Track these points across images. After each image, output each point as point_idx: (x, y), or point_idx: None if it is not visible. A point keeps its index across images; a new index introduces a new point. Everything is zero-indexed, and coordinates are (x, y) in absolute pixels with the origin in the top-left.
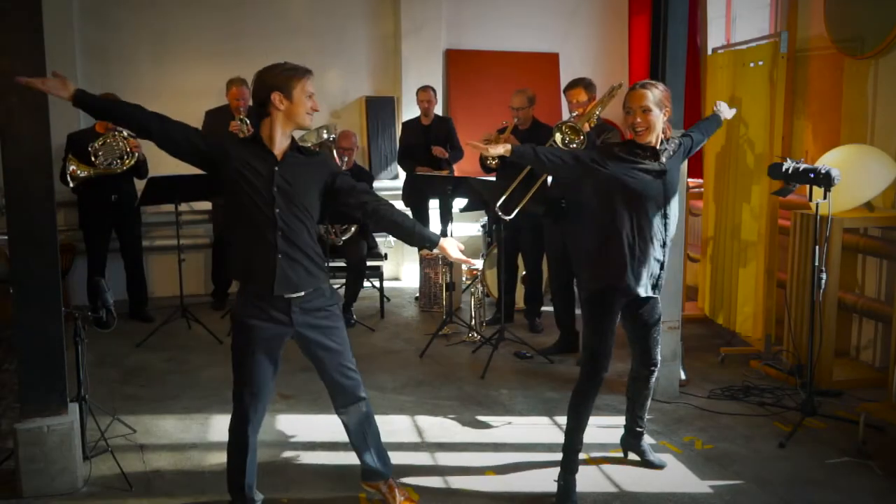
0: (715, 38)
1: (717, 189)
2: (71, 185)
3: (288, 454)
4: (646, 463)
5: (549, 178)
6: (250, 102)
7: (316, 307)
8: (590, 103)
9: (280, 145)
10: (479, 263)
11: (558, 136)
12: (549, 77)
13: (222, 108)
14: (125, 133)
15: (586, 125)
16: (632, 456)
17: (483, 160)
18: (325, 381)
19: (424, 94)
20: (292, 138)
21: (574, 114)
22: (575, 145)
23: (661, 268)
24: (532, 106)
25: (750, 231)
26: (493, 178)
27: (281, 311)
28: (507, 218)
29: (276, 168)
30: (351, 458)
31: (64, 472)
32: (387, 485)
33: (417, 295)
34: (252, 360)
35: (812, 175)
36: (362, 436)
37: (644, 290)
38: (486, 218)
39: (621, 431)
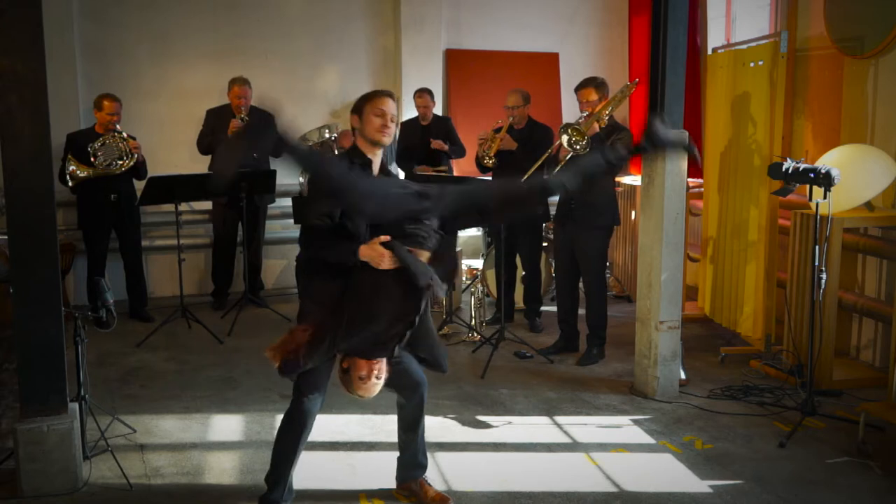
0: (715, 38)
1: (718, 189)
2: (70, 184)
3: None
4: None
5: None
6: (251, 101)
7: None
8: (600, 103)
9: (375, 167)
10: (478, 263)
11: (564, 138)
12: (549, 77)
13: (223, 107)
14: (124, 134)
15: (595, 125)
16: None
17: (479, 160)
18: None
19: (421, 98)
20: (382, 161)
21: (583, 114)
22: (579, 147)
23: None
24: (527, 105)
25: (750, 231)
26: (490, 179)
27: None
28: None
29: None
30: (351, 458)
31: (64, 472)
32: (418, 482)
33: None
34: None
35: (812, 175)
36: (416, 424)
37: None
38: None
39: (621, 431)
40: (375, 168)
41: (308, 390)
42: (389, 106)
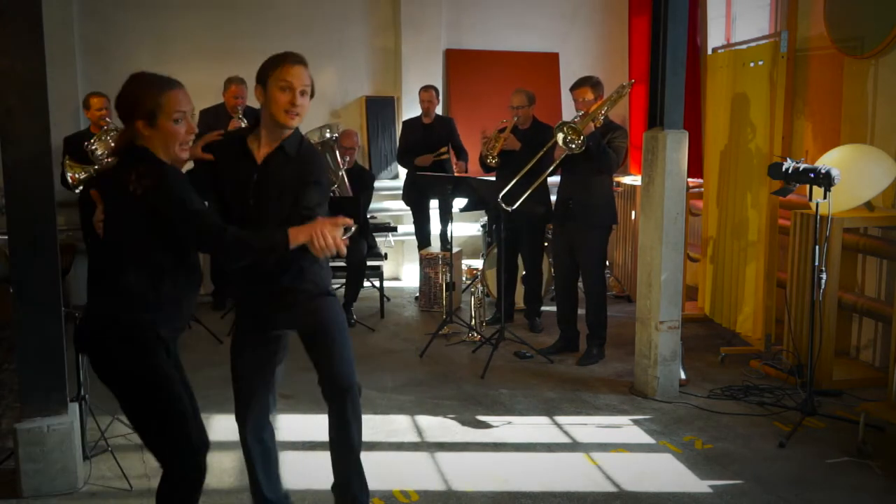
0: (715, 38)
1: (718, 189)
2: (77, 191)
3: (288, 454)
4: None
5: (557, 178)
6: (248, 102)
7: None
8: (596, 102)
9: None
10: (478, 263)
11: (560, 137)
12: (549, 77)
13: (218, 106)
14: (117, 128)
15: (591, 124)
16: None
17: (483, 159)
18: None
19: (426, 93)
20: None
21: (579, 113)
22: (574, 146)
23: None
24: (532, 105)
25: (750, 231)
26: (493, 178)
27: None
28: (510, 209)
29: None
30: None
31: (64, 472)
32: None
33: (417, 295)
34: (237, 352)
35: (812, 175)
36: (343, 442)
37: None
38: (486, 218)
39: (621, 431)
40: (260, 154)
41: (236, 390)
42: (299, 77)
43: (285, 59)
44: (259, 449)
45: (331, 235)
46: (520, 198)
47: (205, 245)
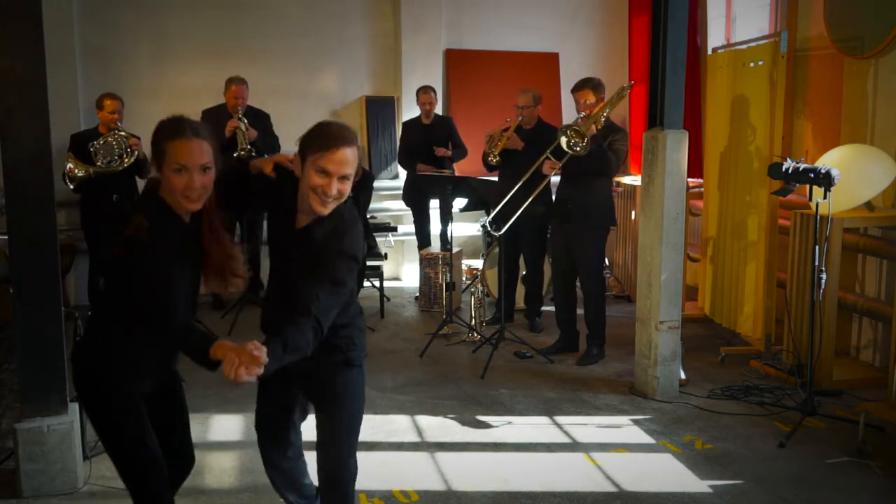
0: (715, 37)
1: (718, 189)
2: (71, 186)
3: None
4: None
5: (556, 178)
6: (248, 102)
7: None
8: (597, 104)
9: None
10: (478, 263)
11: (564, 140)
12: (549, 77)
13: (219, 106)
14: (124, 132)
15: (593, 127)
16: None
17: (486, 157)
18: None
19: (425, 95)
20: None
21: (580, 115)
22: (579, 148)
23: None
24: (537, 105)
25: (750, 231)
26: (496, 178)
27: None
28: (497, 234)
29: None
30: None
31: (64, 472)
32: None
33: (417, 295)
34: (260, 397)
35: (812, 175)
36: None
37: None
38: (486, 217)
39: (621, 431)
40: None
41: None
42: (342, 164)
43: (331, 142)
44: (280, 475)
45: (242, 371)
46: (507, 221)
47: (155, 322)
